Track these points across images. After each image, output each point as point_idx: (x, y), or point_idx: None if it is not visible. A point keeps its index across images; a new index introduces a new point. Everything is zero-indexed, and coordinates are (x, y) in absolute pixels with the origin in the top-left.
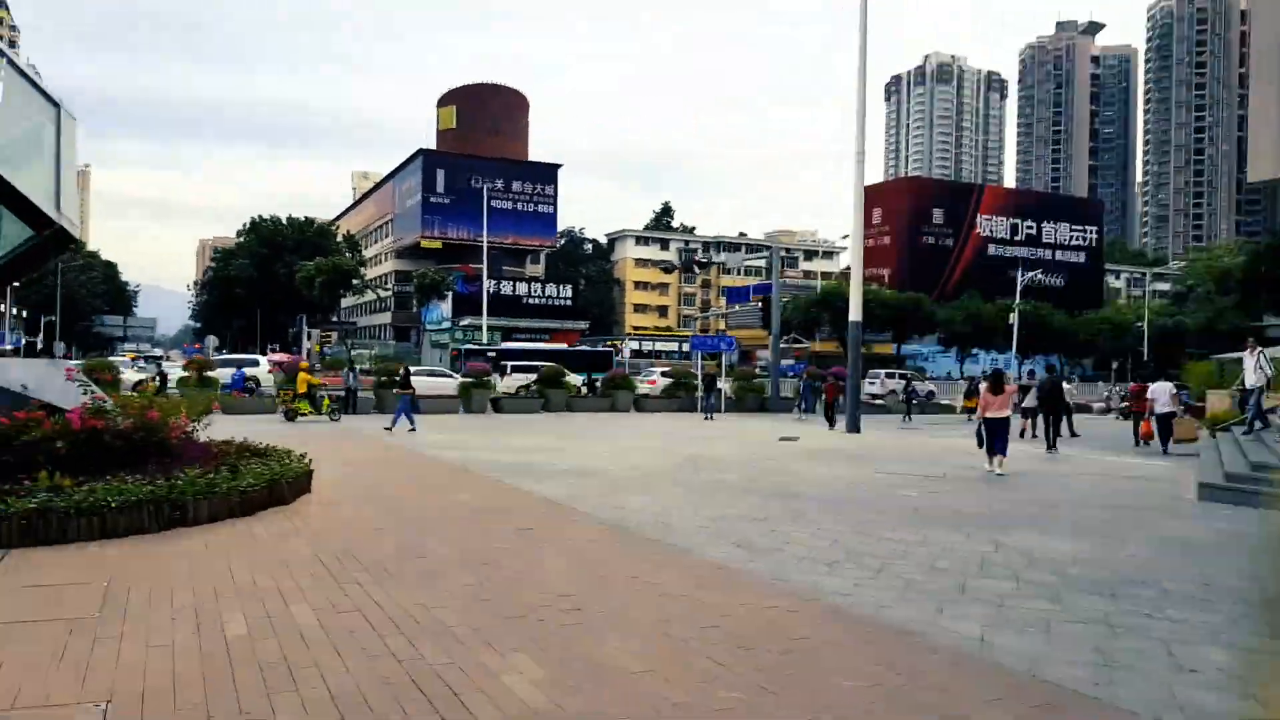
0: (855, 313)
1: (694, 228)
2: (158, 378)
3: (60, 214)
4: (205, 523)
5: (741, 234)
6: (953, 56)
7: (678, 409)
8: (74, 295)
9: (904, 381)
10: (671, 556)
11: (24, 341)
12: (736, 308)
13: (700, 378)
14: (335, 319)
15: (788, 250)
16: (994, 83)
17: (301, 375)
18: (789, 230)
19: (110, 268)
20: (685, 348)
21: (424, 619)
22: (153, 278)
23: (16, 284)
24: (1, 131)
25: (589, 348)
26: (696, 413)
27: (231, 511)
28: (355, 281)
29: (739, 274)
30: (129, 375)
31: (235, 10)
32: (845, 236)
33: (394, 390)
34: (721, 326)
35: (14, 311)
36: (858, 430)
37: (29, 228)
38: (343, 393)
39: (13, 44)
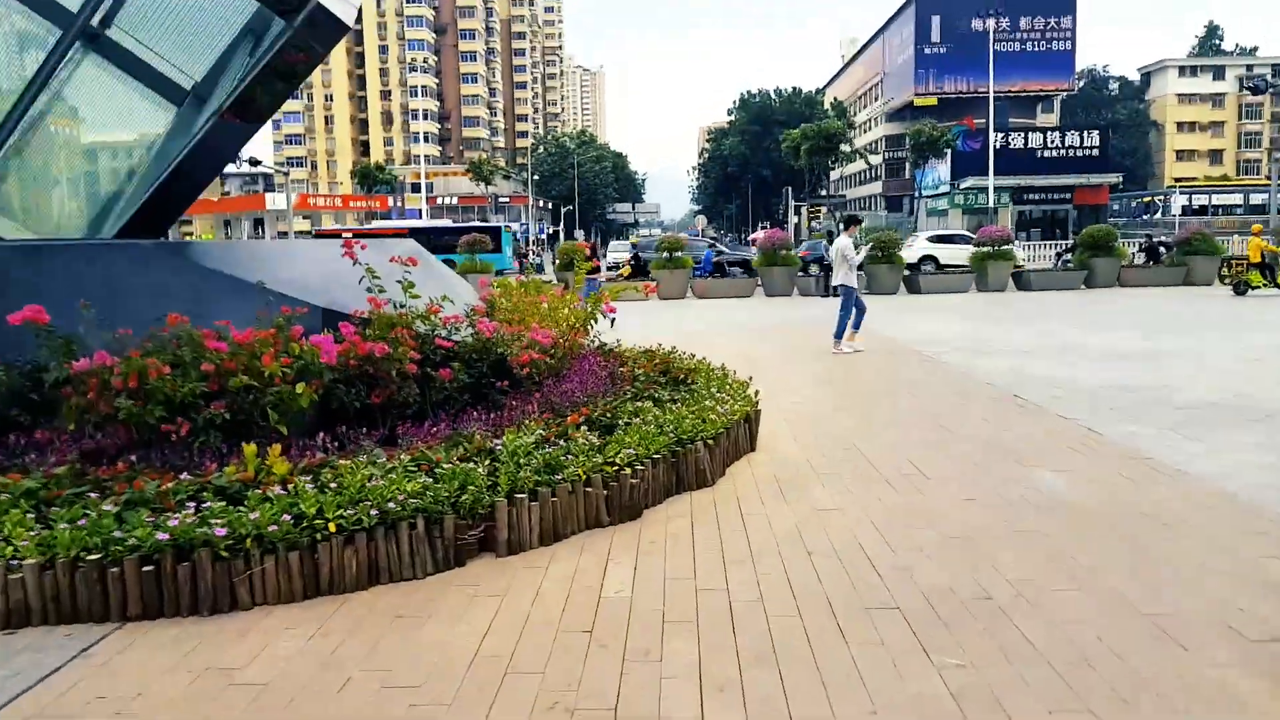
0: None
1: (1254, 48)
2: (633, 260)
3: None
4: (527, 550)
5: None
6: None
7: None
8: (589, 186)
9: None
10: None
11: (549, 230)
12: None
13: None
14: (823, 192)
15: None
16: None
17: (1255, 242)
18: None
19: (620, 158)
20: (1255, 200)
21: None
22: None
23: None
24: None
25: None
26: None
27: (581, 524)
28: (843, 147)
29: None
30: (614, 257)
31: None
32: None
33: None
34: None
35: (539, 203)
36: None
37: (276, 15)
38: (818, 272)
39: None
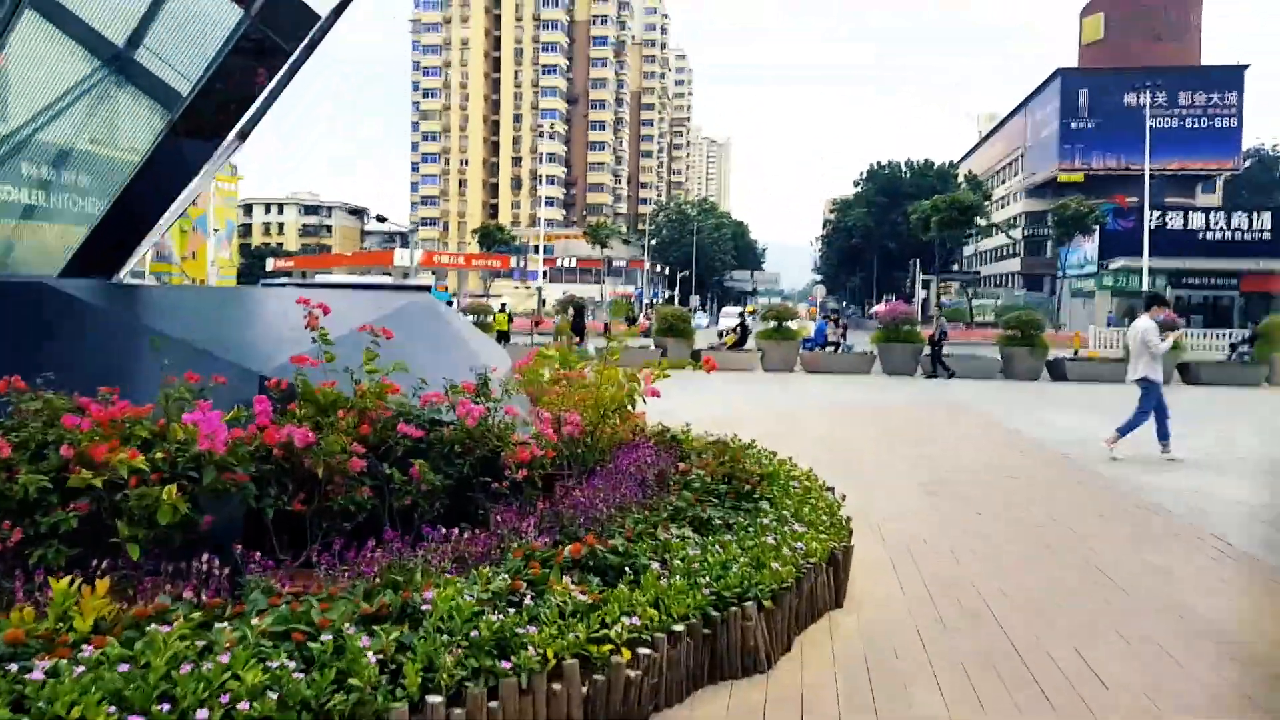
0: None
1: None
2: (739, 329)
3: None
4: None
5: None
6: None
7: None
8: (708, 253)
9: None
10: None
11: (664, 296)
12: None
13: None
14: (955, 267)
15: None
16: None
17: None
18: None
19: (740, 227)
20: None
21: None
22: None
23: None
24: None
25: None
26: None
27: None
28: (978, 220)
29: None
30: (724, 324)
31: None
32: None
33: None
34: None
35: (656, 267)
36: None
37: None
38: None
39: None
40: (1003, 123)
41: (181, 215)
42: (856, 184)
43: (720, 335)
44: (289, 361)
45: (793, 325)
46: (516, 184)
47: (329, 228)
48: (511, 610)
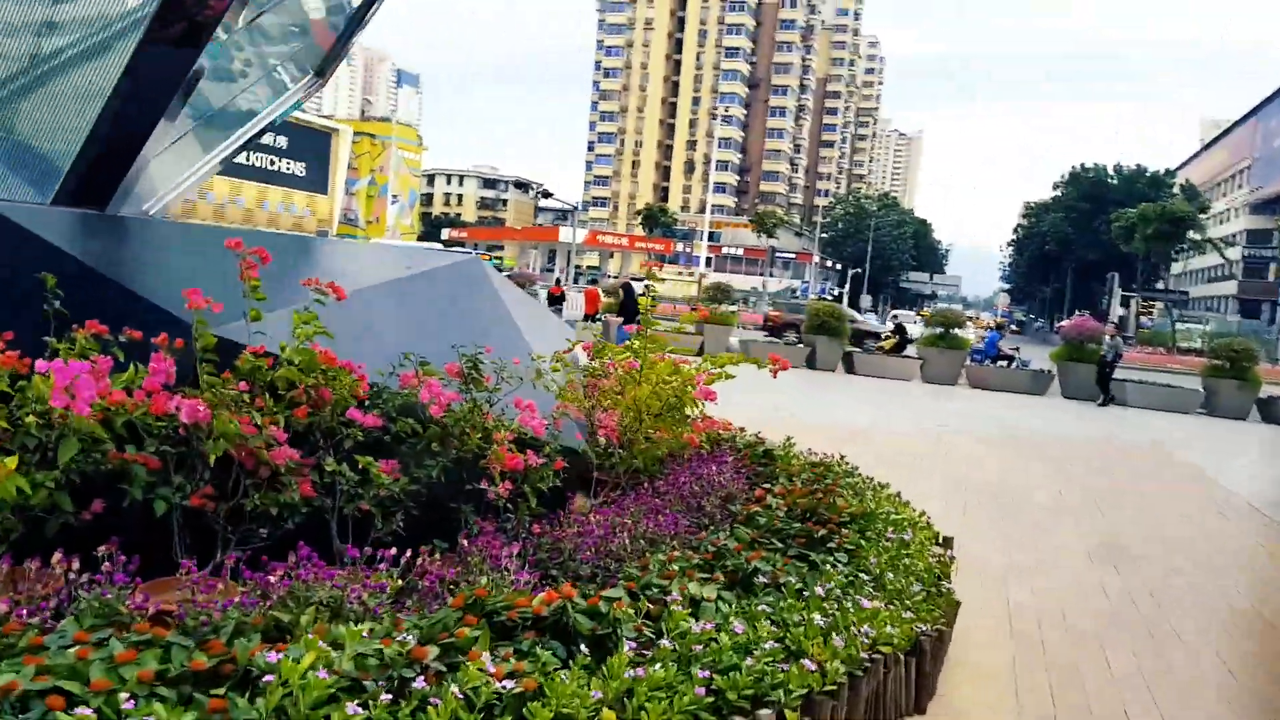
0: None
1: None
2: (896, 333)
3: None
4: None
5: None
6: None
7: None
8: (884, 250)
9: None
10: None
11: (832, 292)
12: None
13: None
14: (1160, 285)
15: None
16: None
17: None
18: None
19: (923, 225)
20: None
21: None
22: (968, 238)
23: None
24: None
25: None
26: None
27: None
28: (1191, 234)
29: None
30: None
31: None
32: None
33: None
34: None
35: (826, 262)
36: None
37: None
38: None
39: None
40: (1228, 130)
41: (370, 182)
42: (1056, 187)
43: (878, 338)
44: (245, 322)
45: (962, 333)
46: (689, 168)
47: (504, 201)
48: (387, 698)
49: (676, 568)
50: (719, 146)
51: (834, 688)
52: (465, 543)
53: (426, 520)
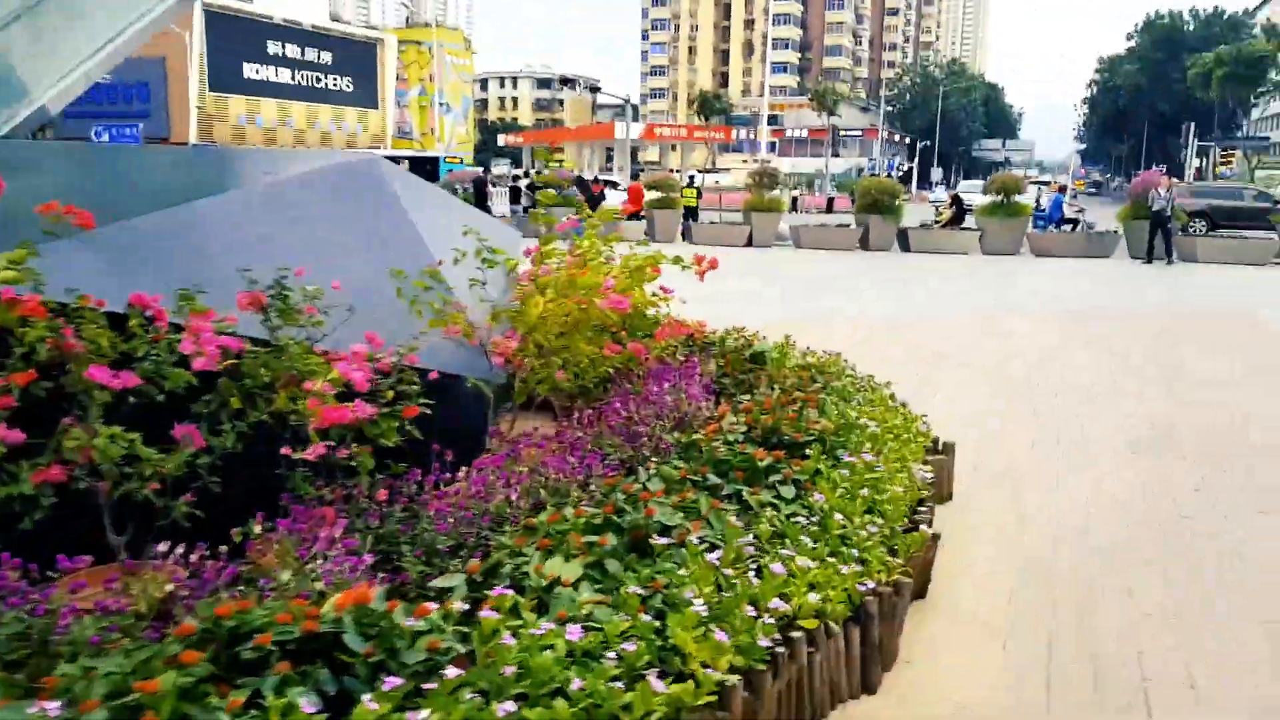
0: None
1: None
2: (954, 205)
3: None
4: None
5: None
6: None
7: None
8: (954, 120)
9: None
10: None
11: (901, 168)
12: None
13: None
14: (1240, 133)
15: None
16: None
17: None
18: None
19: (994, 90)
20: None
21: None
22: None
23: None
24: None
25: None
26: None
27: None
28: (1271, 75)
29: None
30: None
31: None
32: None
33: None
34: None
35: (894, 137)
36: None
37: None
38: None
39: None
40: None
41: (421, 92)
42: (1129, 37)
43: (936, 212)
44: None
45: (1023, 200)
46: (749, 49)
47: (561, 101)
48: None
49: (566, 529)
50: (776, 23)
51: (711, 698)
52: (281, 527)
53: (248, 493)
